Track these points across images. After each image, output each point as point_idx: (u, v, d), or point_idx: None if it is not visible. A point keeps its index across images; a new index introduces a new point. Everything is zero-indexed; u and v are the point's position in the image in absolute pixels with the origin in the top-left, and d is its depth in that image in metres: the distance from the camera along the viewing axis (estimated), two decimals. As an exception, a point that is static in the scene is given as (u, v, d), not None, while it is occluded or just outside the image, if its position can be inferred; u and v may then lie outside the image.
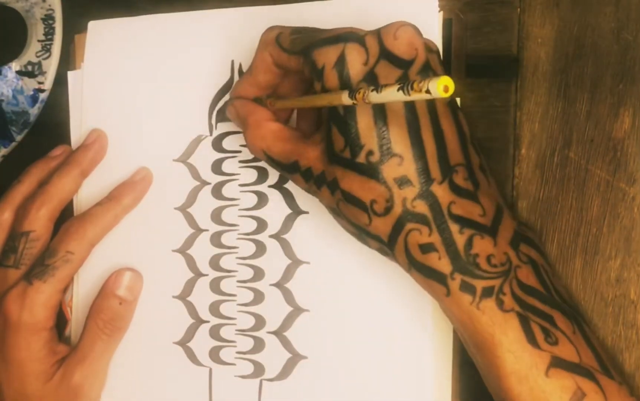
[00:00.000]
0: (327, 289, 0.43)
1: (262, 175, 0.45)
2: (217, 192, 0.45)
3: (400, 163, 0.34)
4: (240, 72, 0.45)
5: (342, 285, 0.42)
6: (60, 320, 0.47)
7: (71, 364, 0.45)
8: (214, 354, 0.45)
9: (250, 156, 0.45)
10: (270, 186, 0.44)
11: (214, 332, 0.45)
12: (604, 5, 0.41)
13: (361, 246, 0.39)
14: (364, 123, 0.35)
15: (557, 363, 0.34)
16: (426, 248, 0.35)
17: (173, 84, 0.47)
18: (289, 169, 0.39)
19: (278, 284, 0.44)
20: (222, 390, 0.45)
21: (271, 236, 0.44)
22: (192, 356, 0.45)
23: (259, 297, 0.44)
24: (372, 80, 0.35)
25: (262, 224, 0.44)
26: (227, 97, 0.45)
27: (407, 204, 0.35)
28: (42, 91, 0.49)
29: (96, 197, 0.47)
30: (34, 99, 0.49)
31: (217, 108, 0.46)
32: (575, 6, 0.41)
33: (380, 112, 0.34)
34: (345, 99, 0.33)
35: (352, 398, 0.42)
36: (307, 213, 0.43)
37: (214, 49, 0.46)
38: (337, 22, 0.41)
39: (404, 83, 0.29)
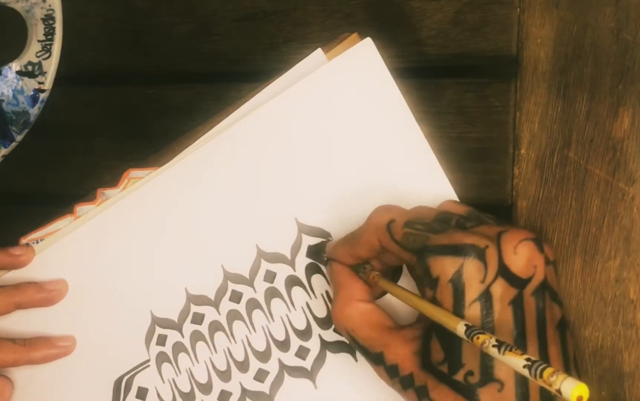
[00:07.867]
0: None
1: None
2: None
3: (501, 389, 0.33)
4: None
5: None
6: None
7: None
8: None
9: None
10: None
11: None
12: (603, 5, 0.41)
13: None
14: (470, 345, 0.33)
15: None
16: None
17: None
18: (373, 359, 0.37)
19: None
20: None
21: None
22: None
23: None
24: (486, 299, 0.33)
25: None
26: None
27: None
28: (42, 91, 0.49)
29: None
30: (34, 99, 0.49)
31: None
32: (574, 6, 0.41)
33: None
34: (460, 331, 0.32)
35: None
36: None
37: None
38: (312, 101, 0.43)
39: (533, 365, 0.28)
